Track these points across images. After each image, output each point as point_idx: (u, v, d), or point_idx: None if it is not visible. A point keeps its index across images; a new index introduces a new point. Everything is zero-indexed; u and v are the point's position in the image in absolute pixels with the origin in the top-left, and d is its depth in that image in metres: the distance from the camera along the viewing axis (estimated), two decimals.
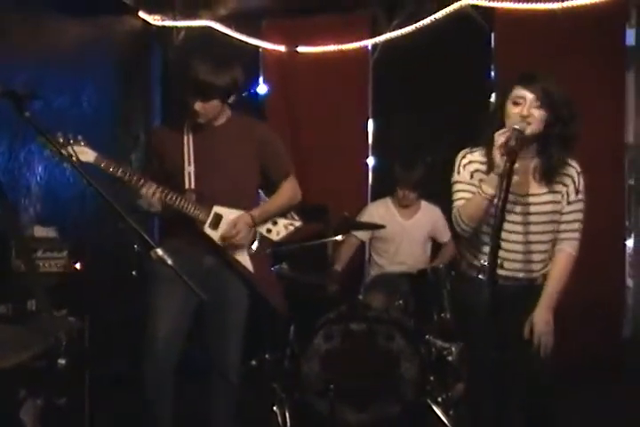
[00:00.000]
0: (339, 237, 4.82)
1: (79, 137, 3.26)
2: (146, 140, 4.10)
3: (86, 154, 3.25)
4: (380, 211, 5.39)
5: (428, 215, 5.40)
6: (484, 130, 3.16)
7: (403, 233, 5.32)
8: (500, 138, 2.94)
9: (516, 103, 3.05)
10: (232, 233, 3.55)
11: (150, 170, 3.66)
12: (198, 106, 3.47)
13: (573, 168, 3.21)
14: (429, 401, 4.33)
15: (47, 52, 5.02)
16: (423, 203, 5.41)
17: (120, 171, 3.34)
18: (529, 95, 3.02)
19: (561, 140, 3.11)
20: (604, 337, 5.56)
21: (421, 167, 5.20)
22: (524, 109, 3.01)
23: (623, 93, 5.68)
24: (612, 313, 5.66)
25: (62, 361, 2.69)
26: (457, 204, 3.17)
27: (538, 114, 3.02)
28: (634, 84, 5.73)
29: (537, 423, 3.25)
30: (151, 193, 3.38)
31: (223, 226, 3.58)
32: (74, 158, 3.01)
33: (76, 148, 3.19)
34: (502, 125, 3.06)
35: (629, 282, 5.79)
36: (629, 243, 5.79)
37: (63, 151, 2.96)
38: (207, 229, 3.56)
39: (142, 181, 3.39)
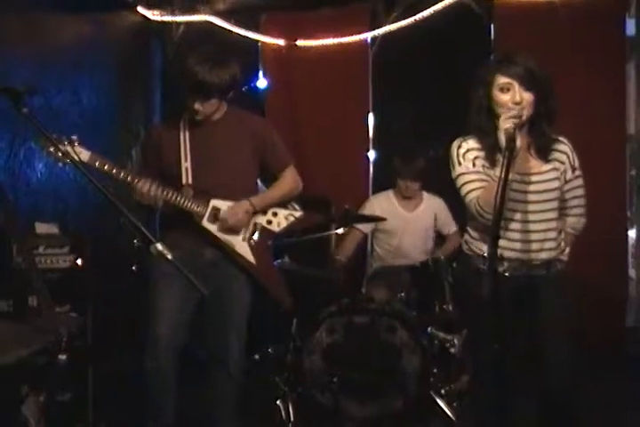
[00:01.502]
0: (340, 231, 4.81)
1: (73, 137, 3.26)
2: (143, 139, 4.12)
3: (80, 153, 3.25)
4: (381, 203, 5.38)
5: (430, 207, 5.38)
6: (474, 118, 3.14)
7: (405, 226, 5.31)
8: (506, 122, 2.92)
9: (503, 89, 3.03)
10: (229, 216, 3.56)
11: (147, 167, 3.68)
12: (198, 105, 3.49)
13: (566, 145, 3.21)
14: (433, 393, 4.33)
15: (46, 49, 5.02)
16: (425, 194, 5.40)
17: (114, 169, 3.35)
18: (515, 80, 3.01)
19: (547, 116, 3.11)
20: (608, 327, 5.56)
21: (422, 158, 5.20)
22: (516, 96, 3.00)
23: (624, 84, 5.67)
24: (614, 303, 5.66)
25: (63, 357, 2.69)
26: (471, 195, 3.12)
27: (528, 96, 3.01)
28: (634, 74, 5.72)
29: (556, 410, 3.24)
30: (147, 189, 3.39)
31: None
32: (74, 157, 3.03)
33: (70, 148, 3.19)
34: (491, 113, 3.06)
35: (632, 272, 5.79)
36: (631, 233, 5.78)
37: (60, 148, 2.97)
38: (206, 223, 3.57)
39: (137, 178, 3.39)
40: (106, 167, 3.33)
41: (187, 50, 3.66)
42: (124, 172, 3.37)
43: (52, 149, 3.10)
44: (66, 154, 3.00)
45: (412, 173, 5.20)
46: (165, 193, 3.46)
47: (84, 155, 3.28)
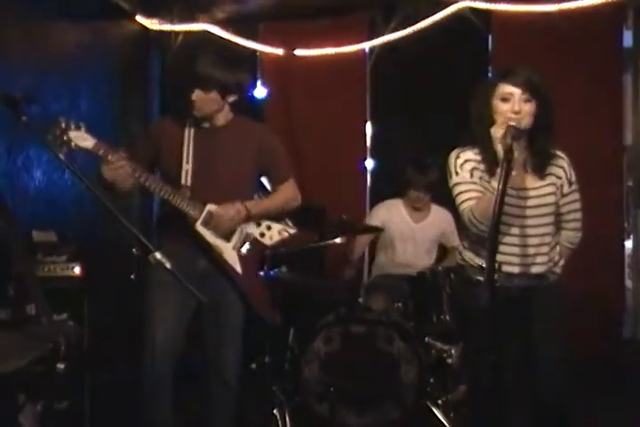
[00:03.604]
0: (338, 240, 4.80)
1: (81, 123, 3.24)
2: (145, 130, 4.11)
3: (86, 140, 3.23)
4: (390, 211, 5.32)
5: (438, 219, 5.36)
6: (475, 129, 3.15)
7: (412, 236, 5.28)
8: (498, 132, 2.94)
9: (504, 99, 3.04)
10: (219, 213, 3.55)
11: (136, 152, 3.60)
12: (196, 95, 3.49)
13: (563, 159, 3.21)
14: (429, 404, 4.32)
15: (45, 58, 5.04)
16: (434, 206, 5.37)
17: (117, 159, 3.32)
18: (516, 90, 3.01)
19: (546, 129, 3.11)
20: (604, 338, 5.56)
21: (435, 169, 5.18)
22: (515, 105, 3.01)
23: (621, 95, 5.68)
24: (611, 314, 5.66)
25: (61, 366, 2.69)
26: (465, 205, 3.13)
27: (527, 107, 3.02)
28: (631, 85, 5.73)
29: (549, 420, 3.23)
30: (143, 182, 3.40)
31: None
32: (72, 145, 3.03)
33: (76, 133, 3.19)
34: (492, 123, 3.06)
35: (628, 283, 5.79)
36: (628, 244, 5.79)
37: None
38: (199, 227, 3.56)
39: (141, 173, 3.39)
40: (109, 157, 3.30)
41: (186, 59, 3.66)
42: (127, 161, 3.35)
43: (57, 132, 3.10)
44: (70, 141, 3.00)
45: (424, 184, 5.18)
46: (164, 191, 3.46)
47: (90, 141, 3.25)
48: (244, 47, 6.30)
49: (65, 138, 3.11)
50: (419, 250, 5.32)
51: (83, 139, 3.21)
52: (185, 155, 3.59)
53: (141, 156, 3.60)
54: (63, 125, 3.16)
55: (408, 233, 5.30)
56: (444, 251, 5.49)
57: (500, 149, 2.92)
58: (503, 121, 3.00)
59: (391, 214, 5.33)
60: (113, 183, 3.42)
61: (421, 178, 5.15)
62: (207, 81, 3.47)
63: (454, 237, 5.32)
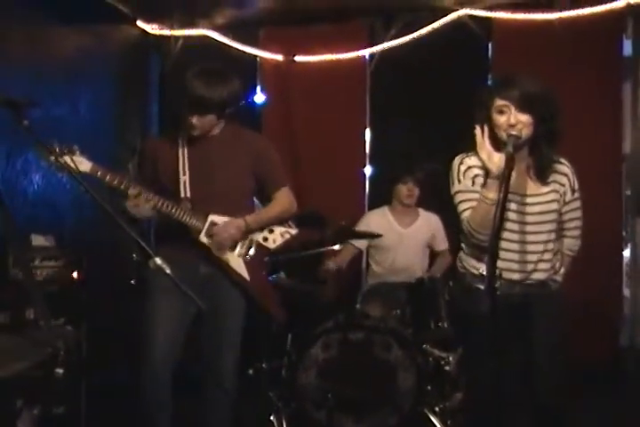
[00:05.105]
0: (336, 247, 4.80)
1: (75, 147, 3.25)
2: (139, 149, 4.12)
3: (82, 164, 3.24)
4: (377, 219, 5.38)
5: (426, 223, 5.39)
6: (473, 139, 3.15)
7: (400, 241, 5.31)
8: (483, 153, 2.99)
9: (501, 112, 3.04)
10: (220, 232, 3.55)
11: (143, 178, 3.67)
12: (195, 119, 3.49)
13: (567, 166, 3.22)
14: (427, 411, 4.31)
15: (45, 62, 5.03)
16: (421, 211, 5.41)
17: (116, 180, 3.34)
18: (511, 103, 3.01)
19: (548, 137, 3.11)
20: (602, 346, 5.56)
21: (425, 167, 5.21)
22: (511, 118, 3.01)
23: (620, 104, 5.69)
24: (609, 322, 5.66)
25: (59, 371, 2.67)
26: (465, 215, 3.13)
27: (525, 119, 3.01)
28: (631, 94, 5.74)
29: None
30: (147, 202, 3.39)
31: None
32: (73, 167, 3.03)
33: (71, 158, 3.18)
34: (492, 134, 3.06)
35: (626, 292, 5.79)
36: (626, 253, 5.79)
37: (60, 160, 2.97)
38: (203, 238, 3.57)
39: (138, 189, 3.39)
40: (107, 178, 3.32)
41: (185, 64, 3.65)
42: (125, 183, 3.36)
43: (52, 159, 3.09)
44: (66, 166, 2.99)
45: (414, 178, 5.22)
46: (165, 206, 3.46)
47: (85, 165, 3.27)
48: (244, 53, 6.31)
49: (62, 163, 3.10)
50: (410, 255, 5.33)
51: (78, 163, 3.20)
52: (181, 167, 3.59)
53: (147, 176, 3.66)
54: (57, 151, 3.15)
55: (397, 239, 5.31)
56: (432, 255, 5.51)
57: (490, 166, 2.97)
58: (500, 134, 3.01)
59: (379, 222, 5.34)
60: (139, 216, 3.47)
61: (409, 173, 5.21)
62: (205, 106, 3.46)
63: (442, 241, 5.38)
